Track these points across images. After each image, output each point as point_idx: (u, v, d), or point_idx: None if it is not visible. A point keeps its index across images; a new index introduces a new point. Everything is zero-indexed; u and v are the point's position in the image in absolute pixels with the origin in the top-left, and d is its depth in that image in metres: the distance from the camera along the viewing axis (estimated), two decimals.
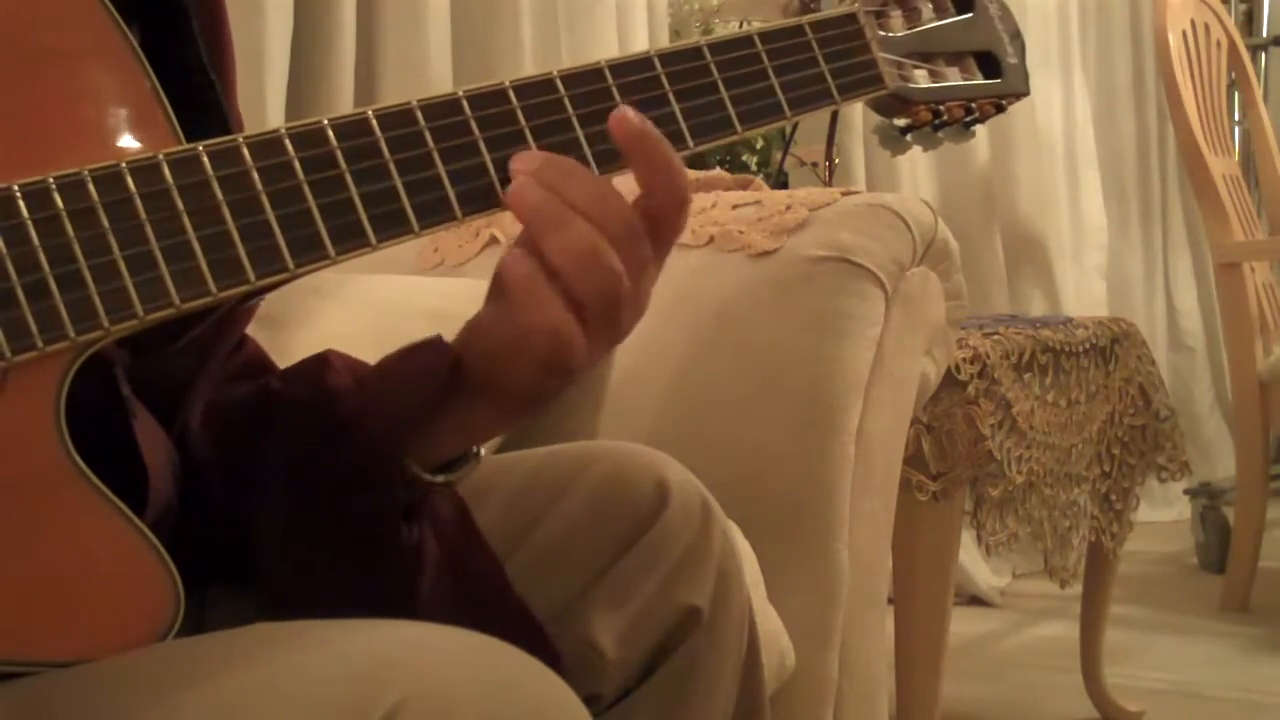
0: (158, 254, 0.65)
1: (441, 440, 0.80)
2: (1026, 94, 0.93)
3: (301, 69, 2.10)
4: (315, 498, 0.81)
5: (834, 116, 2.29)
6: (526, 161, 0.73)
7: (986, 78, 0.92)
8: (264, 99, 1.98)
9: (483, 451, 0.83)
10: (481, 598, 0.85)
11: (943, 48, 0.90)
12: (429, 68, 2.21)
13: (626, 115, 0.74)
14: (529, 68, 2.32)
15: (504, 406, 0.79)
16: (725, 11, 2.36)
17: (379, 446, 0.78)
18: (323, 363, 0.85)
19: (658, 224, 0.75)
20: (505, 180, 0.73)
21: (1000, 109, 0.93)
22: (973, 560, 2.95)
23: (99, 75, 0.68)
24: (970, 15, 0.92)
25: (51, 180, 0.63)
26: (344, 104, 2.11)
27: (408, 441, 0.78)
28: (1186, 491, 3.35)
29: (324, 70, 2.13)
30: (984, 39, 0.92)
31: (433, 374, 0.77)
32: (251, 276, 0.67)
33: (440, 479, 0.81)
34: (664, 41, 2.58)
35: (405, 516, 0.82)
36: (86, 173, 0.64)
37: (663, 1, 2.62)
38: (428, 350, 0.79)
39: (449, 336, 0.79)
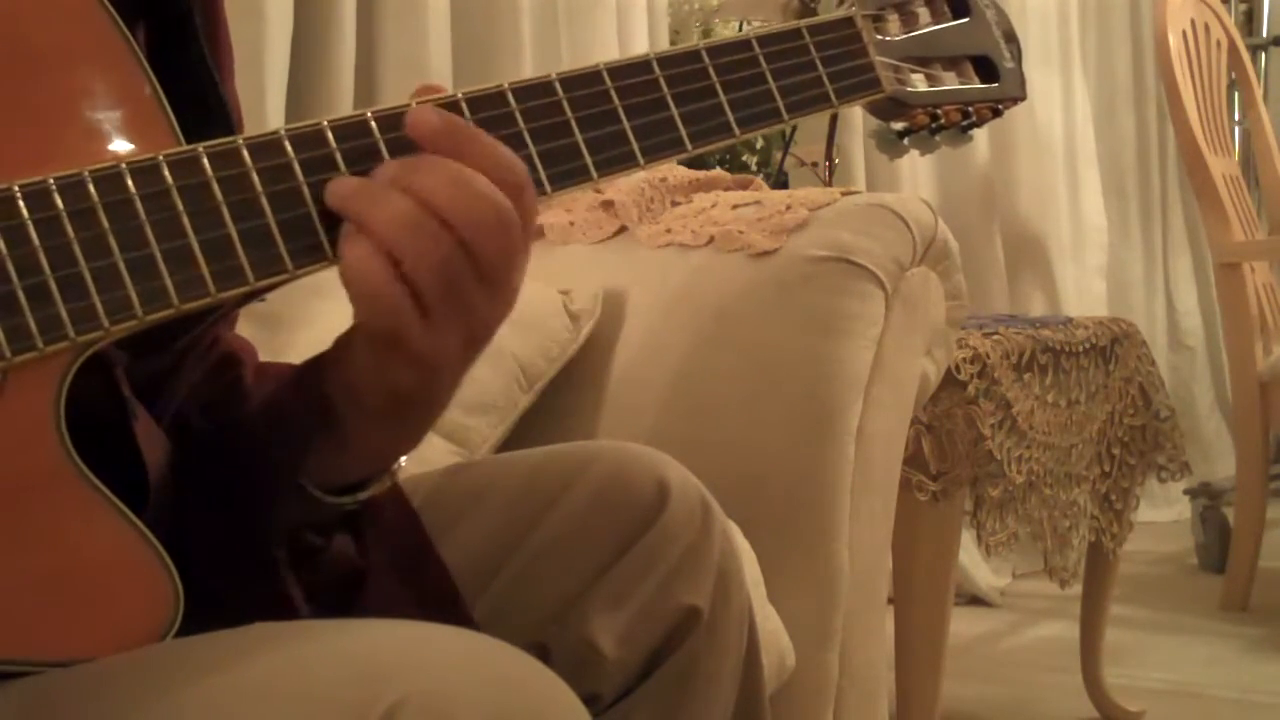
0: (157, 255, 0.65)
1: (346, 462, 0.79)
2: (1023, 98, 0.94)
3: (301, 69, 2.10)
4: (229, 528, 0.80)
5: (834, 117, 2.29)
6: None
7: (983, 82, 0.93)
8: (264, 99, 1.98)
9: (401, 463, 0.82)
10: (429, 600, 0.85)
11: (939, 52, 0.90)
12: (429, 68, 2.21)
13: (418, 115, 0.71)
14: (529, 68, 2.32)
15: (373, 417, 0.76)
16: (725, 12, 2.36)
17: (265, 480, 0.78)
18: (239, 393, 0.85)
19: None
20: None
21: (997, 113, 0.93)
22: (973, 560, 2.95)
23: (99, 76, 0.68)
24: (967, 20, 0.92)
25: (52, 181, 0.64)
26: (344, 104, 2.11)
27: (290, 473, 0.77)
28: (1186, 491, 3.34)
29: (324, 70, 2.13)
30: (980, 43, 0.93)
31: (308, 410, 0.77)
32: (251, 278, 0.67)
33: (346, 500, 0.80)
34: (664, 42, 2.58)
35: (349, 530, 0.82)
36: (87, 173, 0.64)
37: (663, 2, 2.62)
38: (306, 382, 0.78)
39: None
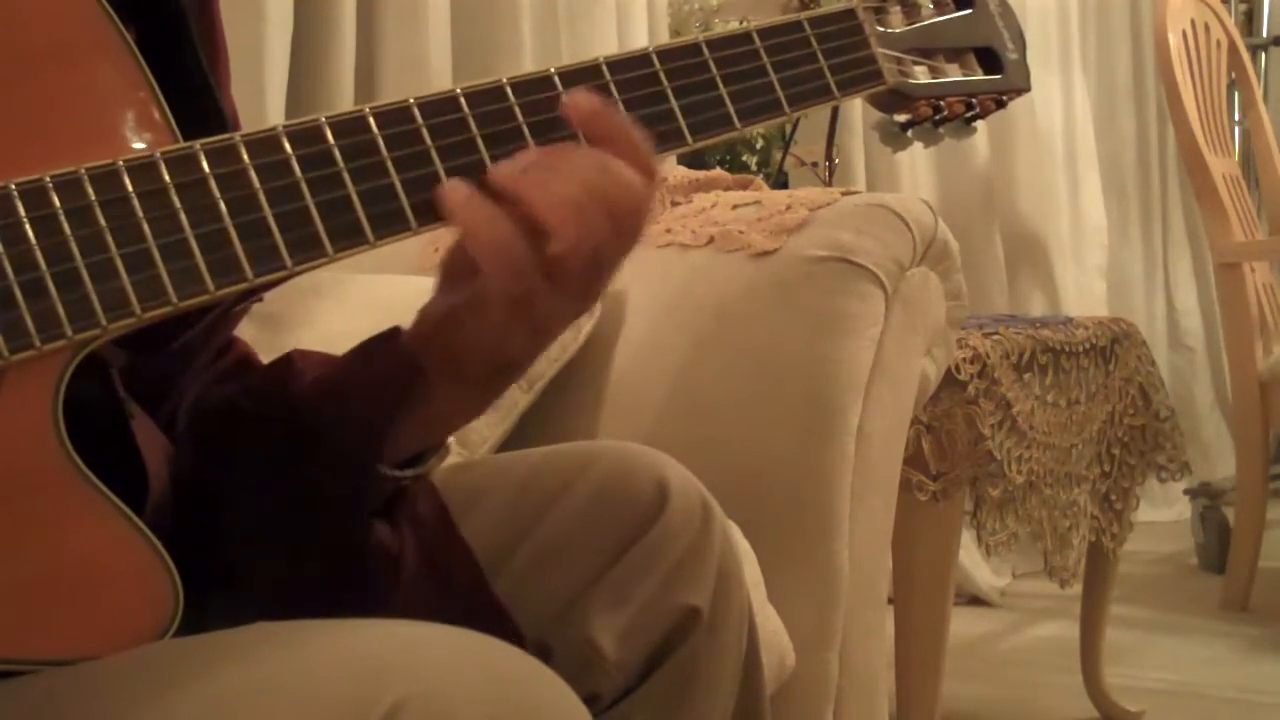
0: (155, 252, 0.65)
1: (409, 437, 0.80)
2: (1028, 89, 0.93)
3: (301, 69, 2.10)
4: (282, 511, 0.81)
5: (834, 116, 2.29)
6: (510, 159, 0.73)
7: (987, 73, 0.92)
8: (264, 99, 1.98)
9: (450, 441, 0.84)
10: (459, 597, 0.86)
11: (943, 44, 0.90)
12: (429, 68, 2.21)
13: (576, 97, 0.74)
14: (529, 67, 2.30)
15: (469, 385, 0.79)
16: (725, 11, 2.36)
17: (345, 455, 0.79)
18: (286, 371, 0.85)
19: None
20: None
21: (1001, 104, 0.93)
22: (973, 560, 2.95)
23: (97, 74, 0.68)
24: (970, 11, 0.91)
25: (48, 179, 0.63)
26: (344, 104, 2.11)
27: (376, 444, 0.79)
28: (1186, 491, 3.35)
29: (324, 70, 2.13)
30: (984, 34, 0.92)
31: (394, 380, 0.78)
32: (249, 274, 0.67)
33: (409, 473, 0.82)
34: (664, 41, 2.58)
35: (384, 516, 0.82)
36: (83, 171, 0.64)
37: (663, 1, 2.62)
38: (382, 355, 0.79)
39: None
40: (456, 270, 0.76)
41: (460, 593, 0.86)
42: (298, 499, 0.80)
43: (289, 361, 0.86)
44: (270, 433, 0.82)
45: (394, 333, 0.80)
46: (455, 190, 0.71)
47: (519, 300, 0.73)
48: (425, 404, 0.79)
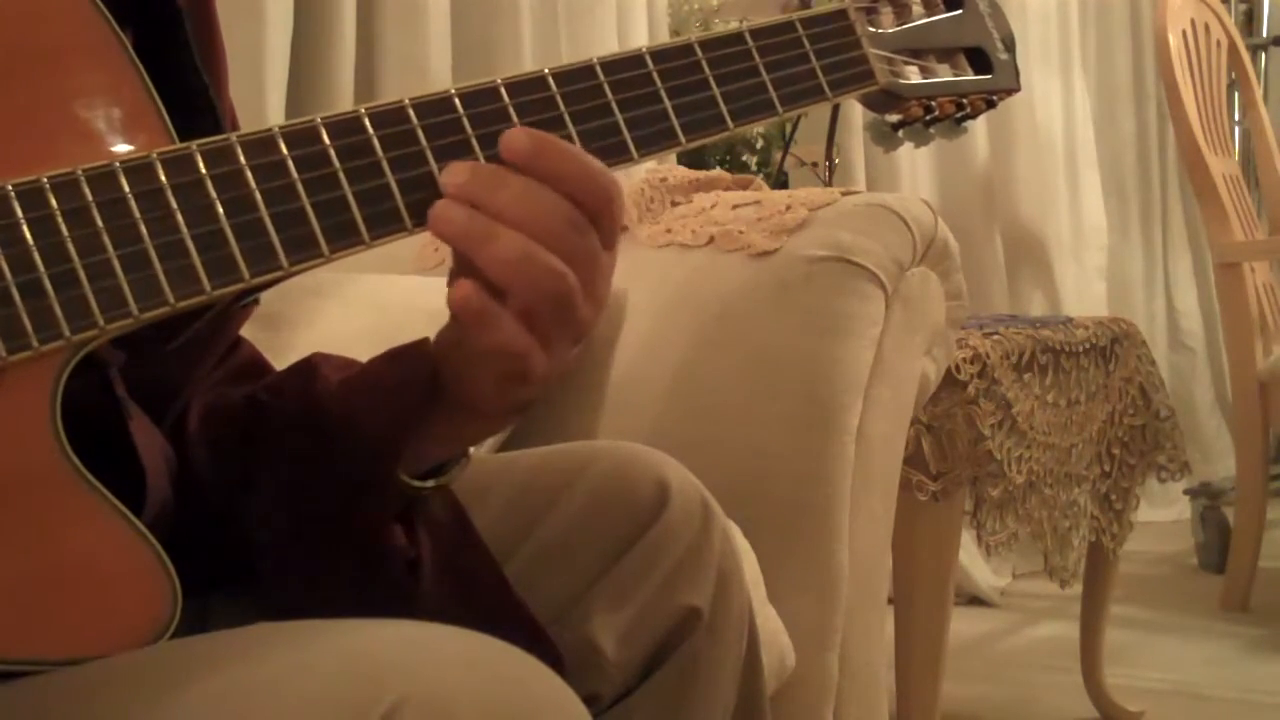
0: (152, 253, 0.65)
1: (429, 448, 0.80)
2: (1017, 89, 0.94)
3: (301, 69, 2.10)
4: (309, 509, 0.82)
5: (834, 116, 2.29)
6: (452, 175, 0.71)
7: (977, 73, 0.92)
8: (264, 99, 1.98)
9: (473, 452, 0.84)
10: (480, 598, 0.86)
11: (933, 44, 0.90)
12: (429, 68, 2.22)
13: (513, 136, 0.72)
14: (529, 67, 2.31)
15: (483, 417, 0.80)
16: (725, 11, 2.36)
17: (367, 456, 0.79)
18: (310, 370, 0.85)
19: (596, 220, 0.73)
20: None
21: (991, 104, 0.93)
22: (973, 560, 2.95)
23: (93, 75, 0.68)
24: (960, 12, 0.92)
25: (45, 180, 0.63)
26: (344, 104, 2.11)
27: (397, 449, 0.79)
28: (1186, 491, 3.35)
29: (324, 70, 2.13)
30: (974, 35, 0.92)
31: (412, 385, 0.78)
32: (246, 275, 0.67)
33: (430, 484, 0.82)
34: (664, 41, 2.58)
35: (400, 521, 0.82)
36: (80, 172, 0.64)
37: (662, 1, 2.62)
38: (407, 360, 0.79)
39: None
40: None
41: (481, 590, 0.86)
42: (325, 496, 0.81)
43: (311, 362, 0.86)
44: (295, 429, 0.82)
45: (423, 341, 0.79)
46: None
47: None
48: (445, 418, 0.79)
